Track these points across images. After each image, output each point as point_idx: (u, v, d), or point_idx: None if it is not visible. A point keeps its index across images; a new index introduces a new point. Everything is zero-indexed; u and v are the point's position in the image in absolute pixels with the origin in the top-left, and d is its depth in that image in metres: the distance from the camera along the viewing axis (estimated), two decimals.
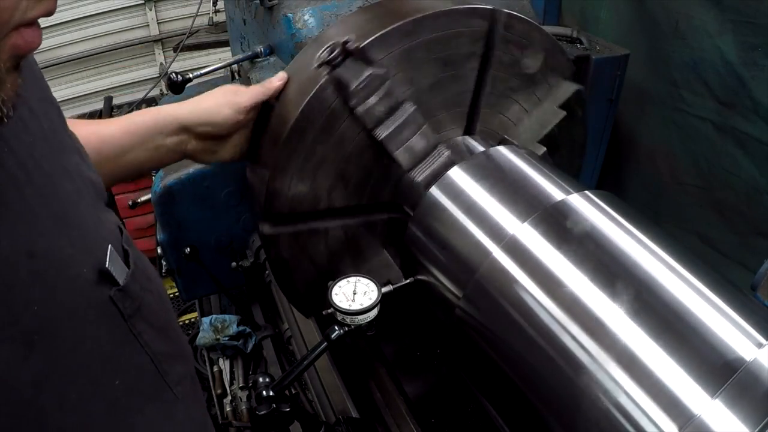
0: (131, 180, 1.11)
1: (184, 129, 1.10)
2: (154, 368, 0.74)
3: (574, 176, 1.48)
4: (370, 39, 1.07)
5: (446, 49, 1.15)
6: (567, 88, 1.33)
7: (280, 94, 1.15)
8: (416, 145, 1.15)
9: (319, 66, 1.07)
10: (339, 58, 1.06)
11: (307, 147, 1.11)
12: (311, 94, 1.07)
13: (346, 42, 1.06)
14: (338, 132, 1.12)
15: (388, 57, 1.10)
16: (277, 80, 1.13)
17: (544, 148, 1.28)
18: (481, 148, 1.23)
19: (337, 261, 1.24)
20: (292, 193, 1.15)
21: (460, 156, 1.19)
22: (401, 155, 1.15)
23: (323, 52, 1.07)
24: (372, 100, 1.09)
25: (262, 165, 1.16)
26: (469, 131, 1.27)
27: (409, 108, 1.13)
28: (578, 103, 1.35)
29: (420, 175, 1.16)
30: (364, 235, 1.25)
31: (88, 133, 0.98)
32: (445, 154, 1.17)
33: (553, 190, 1.05)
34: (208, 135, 1.12)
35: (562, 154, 1.41)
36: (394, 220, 1.24)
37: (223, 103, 1.09)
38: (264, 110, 1.17)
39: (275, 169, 1.12)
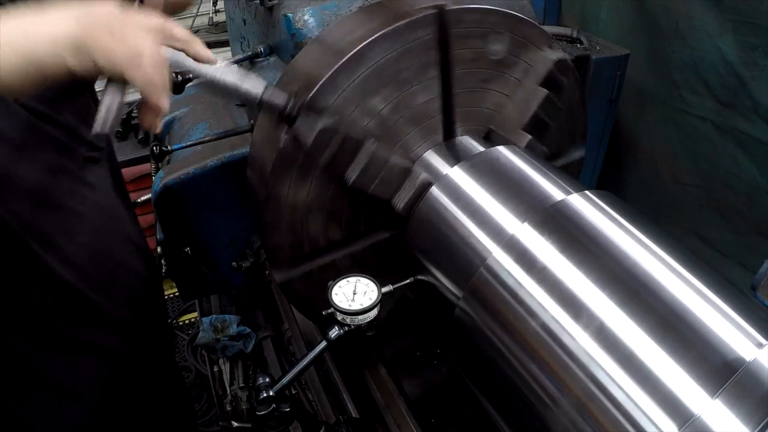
0: None
1: None
2: (68, 136, 1.16)
3: (575, 173, 1.48)
4: (315, 88, 1.07)
5: (398, 68, 1.12)
6: (544, 61, 1.26)
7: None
8: (387, 177, 1.15)
9: (278, 124, 1.09)
10: (294, 113, 1.05)
11: (289, 203, 1.15)
12: (274, 158, 1.10)
13: (295, 95, 1.06)
14: (313, 181, 1.15)
15: (341, 97, 1.09)
16: None
17: (529, 137, 1.24)
18: (444, 162, 1.21)
19: None
20: (289, 242, 1.20)
21: (434, 171, 1.19)
22: (377, 191, 1.15)
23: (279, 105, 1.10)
24: (328, 151, 1.11)
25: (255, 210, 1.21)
26: (449, 135, 1.24)
27: (370, 146, 1.12)
28: (563, 73, 1.29)
29: (400, 202, 1.17)
30: (371, 257, 1.27)
31: None
32: (421, 176, 1.16)
33: (553, 190, 1.05)
34: None
35: (561, 134, 1.38)
36: (396, 236, 1.25)
37: None
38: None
39: (266, 227, 1.17)
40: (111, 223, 1.31)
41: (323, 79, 1.07)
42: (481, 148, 1.22)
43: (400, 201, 1.16)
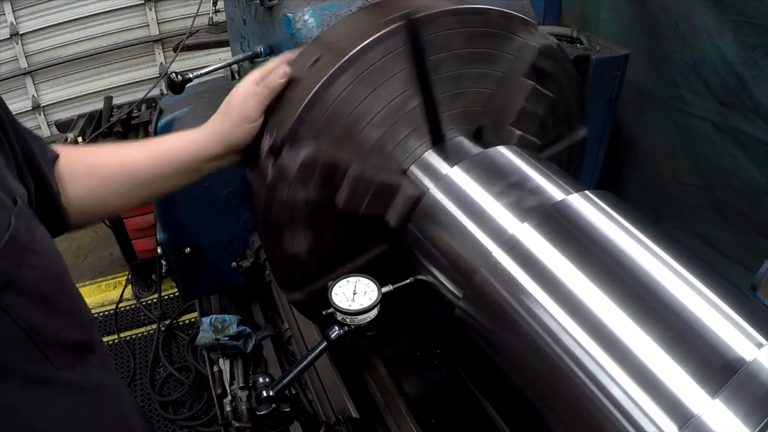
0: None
1: (220, 156, 1.15)
2: (28, 339, 0.74)
3: (580, 153, 1.45)
4: (292, 121, 1.08)
5: (376, 80, 1.11)
6: (528, 50, 1.22)
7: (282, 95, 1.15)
8: (377, 196, 1.16)
9: (266, 158, 1.12)
10: (279, 146, 1.08)
11: (293, 225, 1.17)
12: (264, 198, 1.13)
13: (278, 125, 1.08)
14: (307, 210, 1.16)
15: (324, 117, 1.09)
16: (279, 76, 1.13)
17: (519, 133, 1.23)
18: (444, 162, 1.20)
19: None
20: (294, 267, 1.21)
21: (432, 172, 1.18)
22: (368, 211, 1.16)
23: (265, 139, 1.12)
24: (312, 183, 1.12)
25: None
26: (438, 139, 1.23)
27: (355, 169, 1.13)
28: (550, 59, 1.24)
29: (392, 218, 1.17)
30: (375, 265, 1.27)
31: (119, 160, 1.08)
32: (409, 191, 1.16)
33: (553, 190, 1.05)
34: (242, 149, 1.17)
35: (556, 119, 1.34)
36: (395, 245, 1.25)
37: (239, 120, 1.12)
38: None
39: (270, 257, 1.20)
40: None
41: (298, 111, 1.07)
42: (473, 149, 1.21)
43: (392, 216, 1.17)
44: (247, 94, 1.12)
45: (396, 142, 1.19)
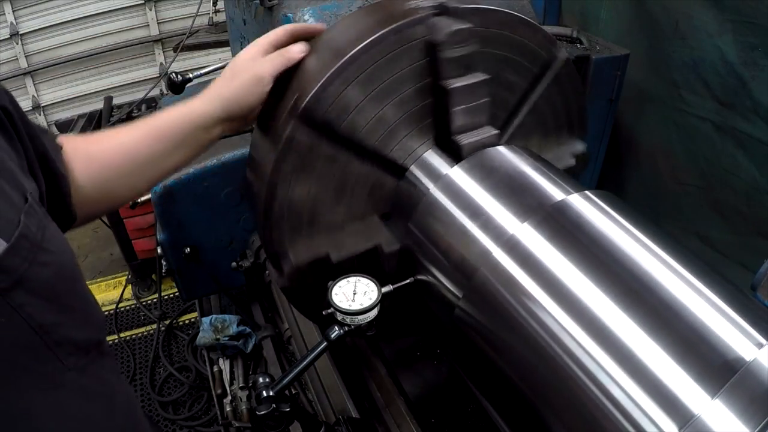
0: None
1: (223, 120, 1.10)
2: (39, 339, 0.72)
3: (577, 83, 1.37)
4: (264, 244, 1.19)
5: (308, 175, 1.13)
6: (438, 48, 1.10)
7: (299, 65, 1.12)
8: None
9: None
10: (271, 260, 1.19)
11: (321, 301, 1.21)
12: (287, 297, 1.18)
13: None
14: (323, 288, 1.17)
15: (285, 231, 1.16)
16: (297, 51, 1.11)
17: (465, 142, 1.16)
18: (444, 162, 1.18)
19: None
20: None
21: (432, 174, 1.18)
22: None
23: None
24: (311, 278, 1.19)
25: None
26: (401, 175, 1.21)
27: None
28: (462, 41, 1.11)
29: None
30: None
31: (116, 144, 1.04)
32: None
33: (553, 190, 1.05)
34: (245, 114, 1.13)
35: (518, 72, 1.24)
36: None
37: (249, 81, 1.08)
38: (281, 80, 1.13)
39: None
40: None
41: (263, 236, 1.18)
42: (440, 163, 1.18)
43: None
44: (258, 56, 1.09)
45: (363, 201, 1.21)
